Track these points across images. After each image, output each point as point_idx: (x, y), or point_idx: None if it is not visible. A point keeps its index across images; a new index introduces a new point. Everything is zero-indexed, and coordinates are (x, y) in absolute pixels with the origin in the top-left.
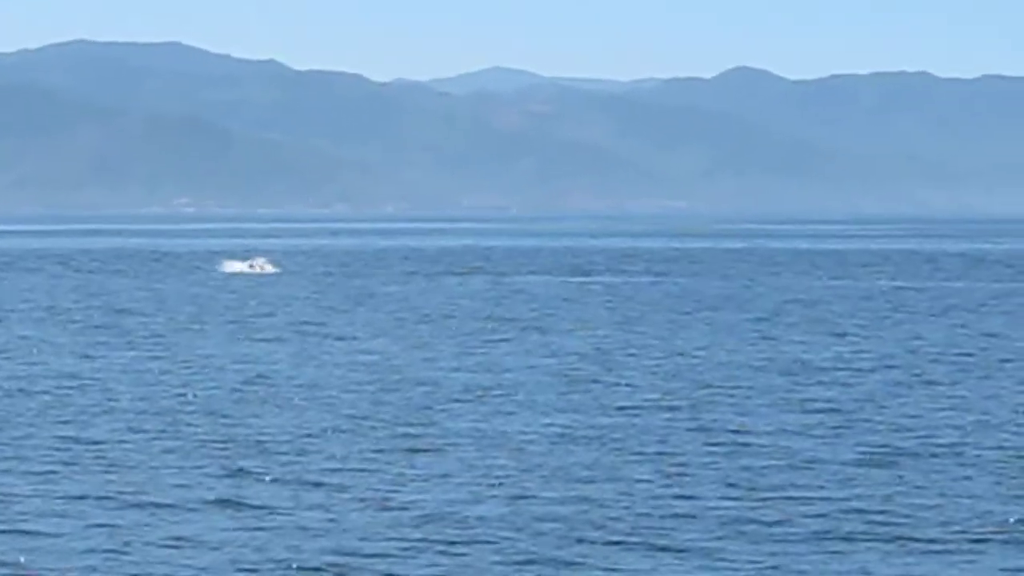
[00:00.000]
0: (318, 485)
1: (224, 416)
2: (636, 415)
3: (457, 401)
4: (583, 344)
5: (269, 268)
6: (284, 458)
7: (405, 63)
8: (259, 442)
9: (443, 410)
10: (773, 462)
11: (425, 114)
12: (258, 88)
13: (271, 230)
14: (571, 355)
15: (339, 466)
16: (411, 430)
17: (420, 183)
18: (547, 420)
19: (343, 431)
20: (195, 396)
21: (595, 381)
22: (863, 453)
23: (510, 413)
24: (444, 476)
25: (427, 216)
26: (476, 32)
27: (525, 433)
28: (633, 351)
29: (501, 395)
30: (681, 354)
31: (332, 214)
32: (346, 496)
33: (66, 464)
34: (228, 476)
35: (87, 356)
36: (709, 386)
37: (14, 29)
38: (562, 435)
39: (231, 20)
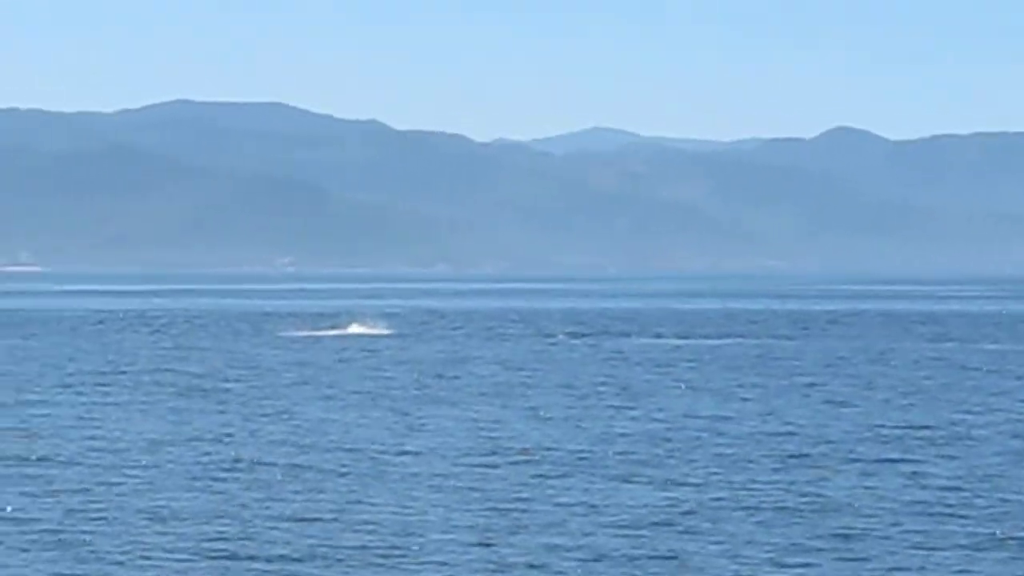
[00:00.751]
0: (422, 565)
1: (321, 490)
2: (746, 491)
3: (563, 473)
4: (687, 410)
5: (372, 330)
6: (384, 534)
7: (506, 123)
8: (358, 518)
9: (549, 482)
10: (889, 545)
11: (524, 173)
12: (359, 148)
13: (371, 291)
14: (675, 422)
15: (443, 545)
16: (519, 505)
17: (519, 242)
18: (657, 494)
19: (447, 506)
20: (291, 467)
21: (700, 448)
22: (980, 535)
23: (618, 486)
24: (552, 553)
25: (526, 276)
26: (577, 93)
27: (634, 507)
28: (739, 418)
29: (608, 466)
30: (787, 422)
31: (432, 273)
32: None
33: (160, 534)
34: (325, 554)
35: (180, 423)
36: (817, 459)
37: (116, 90)
38: (671, 508)
39: (334, 81)
